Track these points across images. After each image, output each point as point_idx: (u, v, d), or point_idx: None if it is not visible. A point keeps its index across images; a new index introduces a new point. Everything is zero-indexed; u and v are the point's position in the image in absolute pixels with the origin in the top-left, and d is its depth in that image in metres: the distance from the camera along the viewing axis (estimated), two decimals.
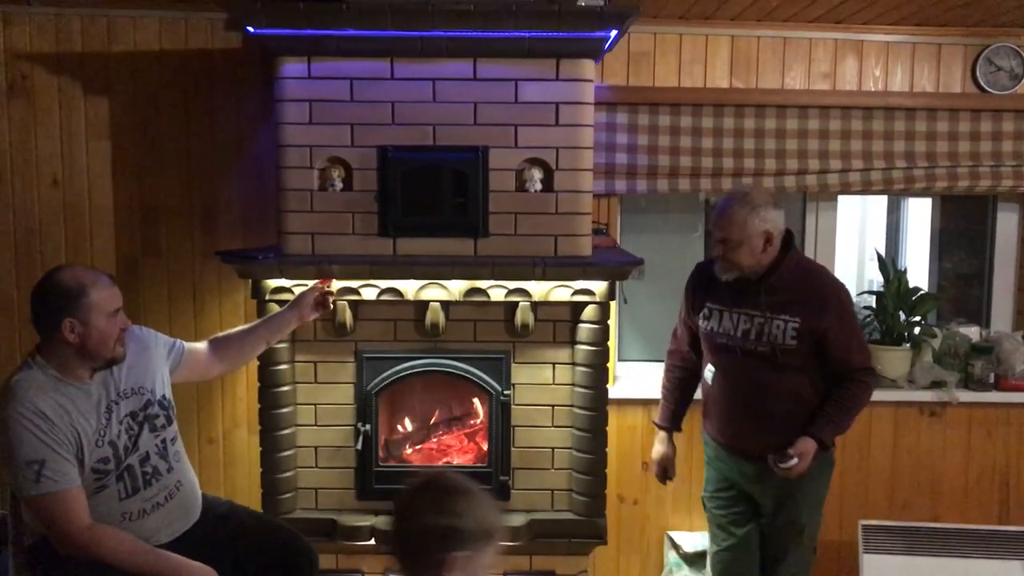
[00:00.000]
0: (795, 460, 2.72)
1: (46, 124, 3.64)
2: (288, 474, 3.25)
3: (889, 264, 3.91)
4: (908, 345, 3.82)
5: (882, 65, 3.75)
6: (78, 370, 2.41)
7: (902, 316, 3.82)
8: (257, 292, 3.14)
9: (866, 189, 3.75)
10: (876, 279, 4.41)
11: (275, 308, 3.14)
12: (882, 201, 4.55)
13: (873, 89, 3.75)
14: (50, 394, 2.35)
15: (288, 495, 3.24)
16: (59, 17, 3.59)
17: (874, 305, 3.90)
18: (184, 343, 2.82)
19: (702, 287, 2.98)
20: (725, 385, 2.92)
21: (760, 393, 2.83)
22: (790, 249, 2.82)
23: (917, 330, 3.84)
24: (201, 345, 2.86)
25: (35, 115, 3.64)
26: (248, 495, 3.46)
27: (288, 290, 3.12)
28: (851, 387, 2.78)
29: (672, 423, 3.19)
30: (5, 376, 2.46)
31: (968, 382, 3.80)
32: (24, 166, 3.66)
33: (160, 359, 2.67)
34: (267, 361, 3.18)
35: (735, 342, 2.85)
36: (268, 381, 3.20)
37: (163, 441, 2.55)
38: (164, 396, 2.60)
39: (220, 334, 2.95)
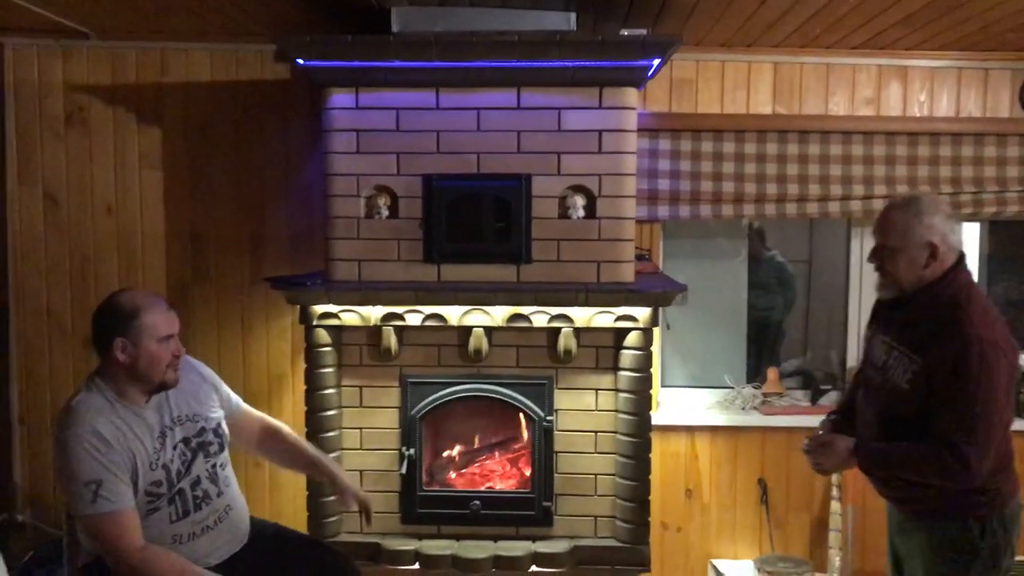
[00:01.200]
0: (811, 445, 2.54)
1: (101, 154, 3.76)
2: (334, 497, 3.26)
3: None
4: None
5: (927, 90, 3.73)
6: (133, 393, 2.46)
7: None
8: (305, 317, 3.19)
9: None
10: None
11: (323, 335, 3.19)
12: None
13: (918, 114, 3.73)
14: (108, 416, 2.40)
15: (333, 519, 3.27)
16: (115, 50, 3.71)
17: None
18: (242, 404, 2.81)
19: (877, 310, 2.62)
20: (859, 420, 2.61)
21: (871, 434, 2.50)
22: (957, 273, 2.37)
23: None
24: (255, 415, 2.84)
25: (91, 145, 3.76)
26: (293, 518, 3.49)
27: (335, 315, 3.17)
28: (928, 445, 2.30)
29: (841, 413, 2.77)
30: (64, 398, 2.53)
31: (1020, 410, 3.73)
32: (80, 194, 3.77)
33: (213, 396, 2.69)
34: (314, 386, 3.23)
35: (872, 373, 2.52)
36: (315, 405, 3.24)
37: (214, 466, 2.59)
38: (219, 424, 2.64)
39: (277, 425, 2.86)
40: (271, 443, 2.84)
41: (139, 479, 2.41)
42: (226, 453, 2.65)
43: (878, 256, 2.44)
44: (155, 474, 2.44)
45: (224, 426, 2.67)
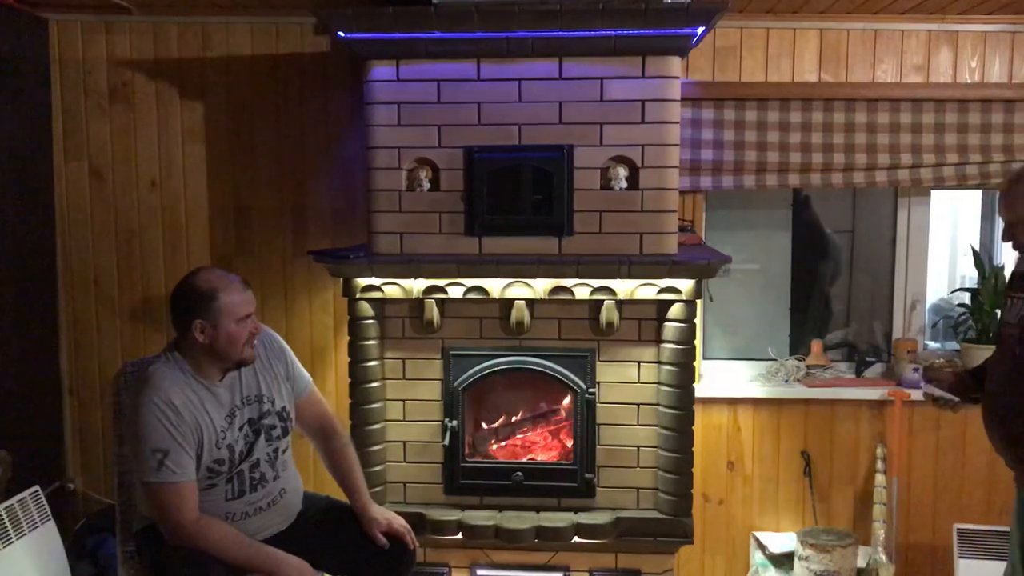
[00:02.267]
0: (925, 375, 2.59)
1: (145, 128, 3.79)
2: (378, 468, 3.31)
3: (985, 260, 3.80)
4: None
5: (979, 56, 3.63)
6: (209, 369, 2.51)
7: (999, 314, 3.70)
8: (348, 290, 3.21)
9: (961, 183, 3.64)
10: (970, 275, 4.29)
11: (365, 307, 3.21)
12: (976, 195, 4.41)
13: (969, 81, 3.63)
14: (183, 388, 2.46)
15: (378, 489, 3.31)
16: (157, 25, 3.73)
17: (969, 303, 3.79)
18: (311, 389, 2.82)
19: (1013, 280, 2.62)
20: (988, 380, 2.59)
21: (1000, 391, 2.49)
22: None
23: None
24: (318, 409, 2.83)
25: (134, 119, 3.79)
26: (336, 490, 3.53)
27: (378, 288, 3.18)
28: None
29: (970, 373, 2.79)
30: (112, 370, 2.57)
31: None
32: (124, 169, 3.81)
33: (283, 377, 2.71)
34: (357, 358, 3.25)
35: (1009, 330, 2.51)
36: (359, 377, 3.27)
37: (275, 450, 2.62)
38: (284, 408, 2.66)
39: (335, 428, 2.85)
40: (322, 442, 2.84)
41: (204, 454, 2.46)
42: (288, 438, 2.68)
43: (1012, 233, 2.44)
44: (219, 452, 2.48)
45: (290, 410, 2.69)
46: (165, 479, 2.38)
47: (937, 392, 2.69)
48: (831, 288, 4.14)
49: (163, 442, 2.38)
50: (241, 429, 2.54)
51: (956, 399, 2.68)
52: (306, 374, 2.82)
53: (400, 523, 2.73)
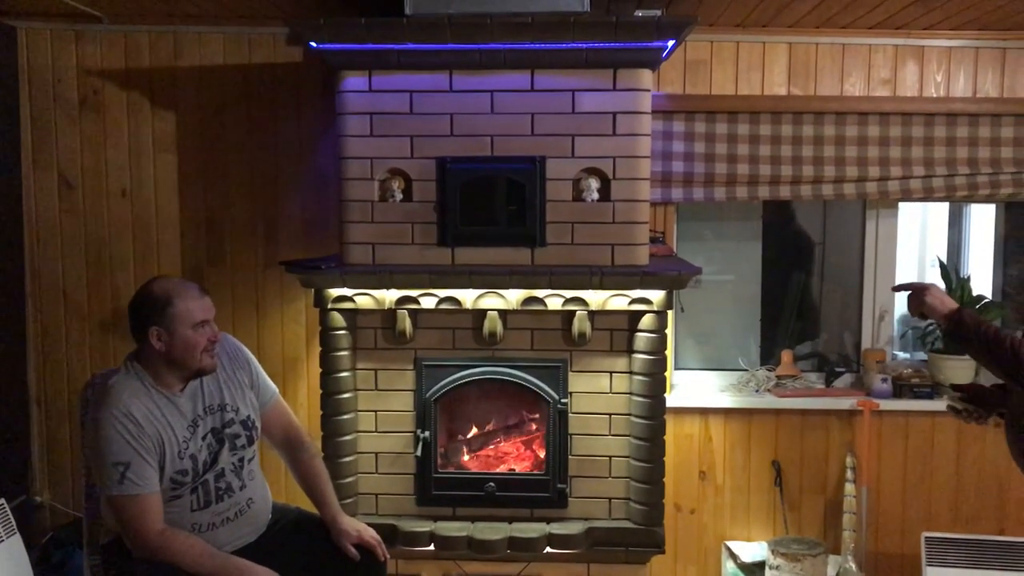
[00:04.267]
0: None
1: (115, 137, 3.77)
2: (349, 479, 3.30)
3: (952, 272, 3.85)
4: None
5: (944, 70, 3.69)
6: (169, 378, 2.49)
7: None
8: (320, 301, 3.20)
9: (928, 196, 3.69)
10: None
11: (337, 318, 3.20)
12: (943, 207, 4.48)
13: (935, 95, 3.70)
14: (143, 400, 2.44)
15: (349, 500, 3.29)
16: (128, 34, 3.71)
17: None
18: (276, 399, 2.79)
19: None
20: None
21: None
22: None
23: None
24: (284, 418, 2.80)
25: (105, 129, 3.77)
26: (308, 501, 3.51)
27: (350, 299, 3.17)
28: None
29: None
30: (81, 381, 2.55)
31: None
32: (95, 178, 3.79)
33: (247, 386, 2.69)
34: (329, 369, 3.24)
35: None
36: (330, 388, 3.25)
37: (240, 460, 2.60)
38: (249, 417, 2.64)
39: (302, 439, 2.82)
40: (289, 453, 2.82)
41: (166, 465, 2.44)
42: (255, 447, 2.66)
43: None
44: (182, 463, 2.46)
45: (255, 419, 2.67)
46: (127, 491, 2.36)
47: (960, 404, 2.69)
48: (801, 299, 4.18)
49: (124, 455, 2.36)
50: (204, 439, 2.52)
51: (981, 411, 2.68)
52: (271, 384, 2.80)
53: (371, 534, 2.72)
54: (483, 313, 3.20)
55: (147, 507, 2.38)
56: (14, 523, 3.26)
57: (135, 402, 2.41)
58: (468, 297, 3.17)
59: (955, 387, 2.81)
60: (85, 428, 2.53)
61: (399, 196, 3.17)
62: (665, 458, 3.27)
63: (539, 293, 3.14)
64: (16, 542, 3.25)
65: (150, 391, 2.46)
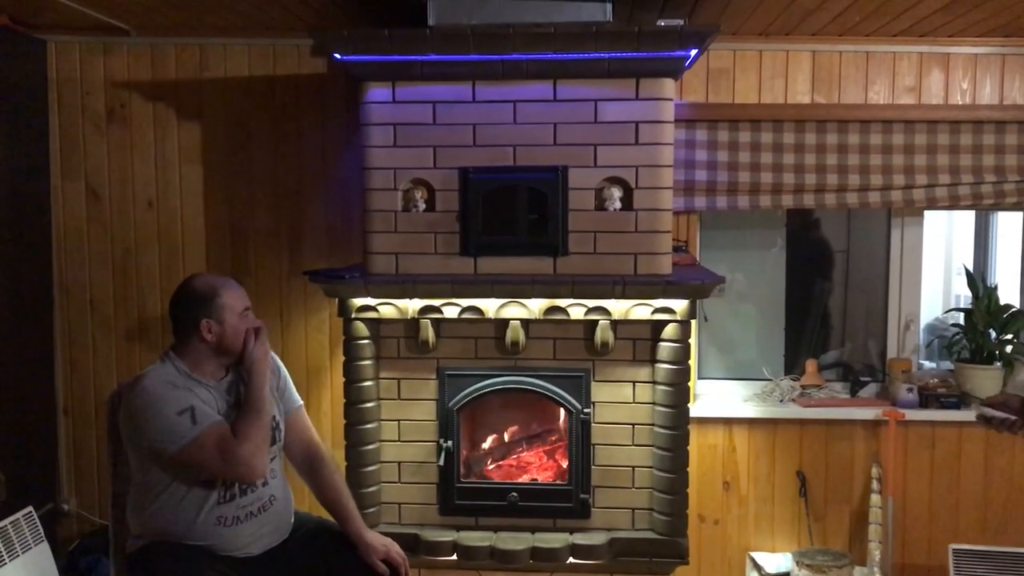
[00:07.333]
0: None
1: (142, 149, 3.81)
2: (372, 489, 3.31)
3: (979, 280, 3.82)
4: (999, 364, 3.72)
5: (970, 78, 3.66)
6: (212, 367, 2.56)
7: (992, 334, 3.72)
8: (343, 310, 3.22)
9: (954, 204, 3.66)
10: (964, 295, 4.30)
11: (361, 327, 3.22)
12: (969, 215, 4.44)
13: (960, 103, 3.66)
14: (178, 383, 2.49)
15: (372, 509, 3.30)
16: (155, 46, 3.75)
17: (963, 323, 3.80)
18: (300, 413, 2.80)
19: None
20: None
21: None
22: None
23: (1009, 348, 3.73)
24: (306, 433, 2.80)
25: (131, 140, 3.81)
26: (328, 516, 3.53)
27: (373, 308, 3.19)
28: None
29: None
30: (107, 390, 2.57)
31: None
32: (121, 189, 3.83)
33: (274, 389, 2.71)
34: (352, 378, 3.25)
35: None
36: (353, 397, 3.27)
37: None
38: (275, 417, 2.66)
39: (323, 455, 2.80)
40: (309, 467, 2.81)
41: None
42: (277, 447, 2.68)
43: None
44: None
45: (280, 420, 2.70)
46: (207, 424, 2.41)
47: (989, 412, 2.65)
48: (826, 308, 4.16)
49: (183, 402, 2.42)
50: None
51: (1013, 418, 2.63)
52: (297, 396, 2.81)
53: (397, 550, 2.73)
54: (505, 322, 3.20)
55: (227, 432, 2.43)
56: (42, 531, 3.29)
57: (169, 383, 2.47)
58: (491, 306, 3.17)
59: (985, 401, 2.76)
60: (122, 423, 2.54)
61: (422, 206, 3.18)
62: (689, 468, 3.26)
63: (561, 302, 3.14)
64: (44, 550, 3.28)
65: (186, 379, 2.51)
